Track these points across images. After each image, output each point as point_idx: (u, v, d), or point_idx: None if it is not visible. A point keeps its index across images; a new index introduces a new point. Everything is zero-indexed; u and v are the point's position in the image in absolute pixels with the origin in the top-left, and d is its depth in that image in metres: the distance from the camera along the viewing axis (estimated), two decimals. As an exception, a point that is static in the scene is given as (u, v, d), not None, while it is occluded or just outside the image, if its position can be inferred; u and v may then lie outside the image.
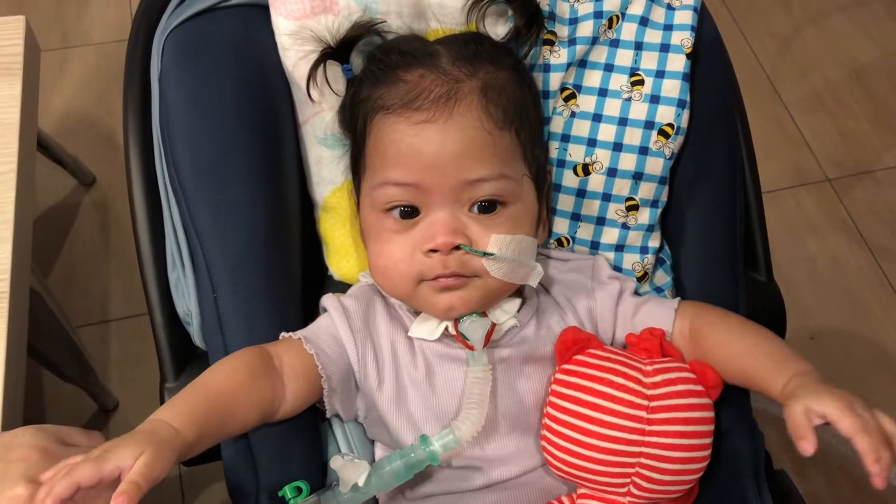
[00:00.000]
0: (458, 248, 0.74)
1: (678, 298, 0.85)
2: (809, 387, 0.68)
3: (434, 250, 0.74)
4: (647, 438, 0.73)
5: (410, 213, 0.76)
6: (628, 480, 0.75)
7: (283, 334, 0.79)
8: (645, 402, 0.74)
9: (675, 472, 0.75)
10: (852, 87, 1.93)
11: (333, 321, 0.79)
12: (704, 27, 0.88)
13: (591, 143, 0.87)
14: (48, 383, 1.44)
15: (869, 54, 1.98)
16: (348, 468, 0.71)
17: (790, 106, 1.89)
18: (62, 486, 0.56)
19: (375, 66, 0.79)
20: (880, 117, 1.89)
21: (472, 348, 0.75)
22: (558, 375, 0.78)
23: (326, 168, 0.87)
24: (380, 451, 0.82)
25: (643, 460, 0.74)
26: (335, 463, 0.71)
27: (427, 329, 0.79)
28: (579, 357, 0.78)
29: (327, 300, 0.83)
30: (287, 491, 0.72)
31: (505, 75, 0.78)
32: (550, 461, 0.77)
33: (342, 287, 0.89)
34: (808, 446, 0.62)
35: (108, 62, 1.81)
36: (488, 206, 0.76)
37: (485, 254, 0.74)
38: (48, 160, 1.56)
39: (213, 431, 0.69)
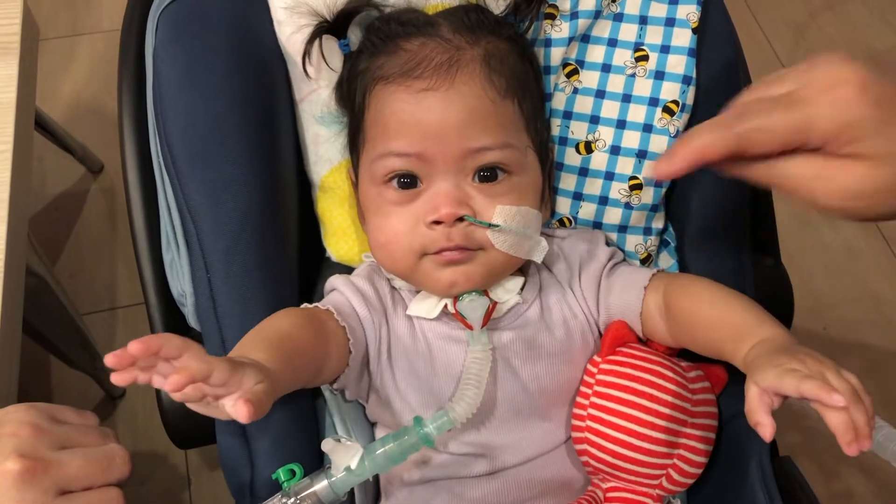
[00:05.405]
0: (461, 219, 0.72)
1: (652, 271, 0.81)
2: (761, 358, 0.63)
3: (438, 222, 0.72)
4: (689, 431, 0.75)
5: (410, 182, 0.74)
6: (663, 473, 0.76)
7: (306, 306, 0.77)
8: (690, 396, 0.75)
9: (701, 465, 0.77)
10: (869, 74, 1.89)
11: (351, 301, 0.78)
12: (711, 1, 0.85)
13: (594, 120, 0.85)
14: (56, 371, 1.43)
15: (886, 41, 1.94)
16: (340, 451, 0.69)
17: (805, 94, 1.86)
18: (194, 368, 0.53)
19: (374, 36, 0.78)
20: (897, 105, 1.85)
21: (470, 327, 0.74)
22: (604, 365, 0.77)
23: (324, 147, 0.85)
24: (380, 434, 0.81)
25: (682, 452, 0.75)
26: (326, 445, 0.69)
27: (426, 307, 0.77)
28: (624, 349, 0.77)
29: (337, 281, 0.81)
30: (281, 473, 0.70)
31: (506, 46, 0.77)
32: (589, 450, 0.76)
33: (340, 269, 0.88)
34: (764, 432, 0.58)
35: (116, 50, 1.79)
36: (490, 175, 0.74)
37: (490, 225, 0.73)
38: (56, 148, 1.56)
39: (287, 384, 0.66)
